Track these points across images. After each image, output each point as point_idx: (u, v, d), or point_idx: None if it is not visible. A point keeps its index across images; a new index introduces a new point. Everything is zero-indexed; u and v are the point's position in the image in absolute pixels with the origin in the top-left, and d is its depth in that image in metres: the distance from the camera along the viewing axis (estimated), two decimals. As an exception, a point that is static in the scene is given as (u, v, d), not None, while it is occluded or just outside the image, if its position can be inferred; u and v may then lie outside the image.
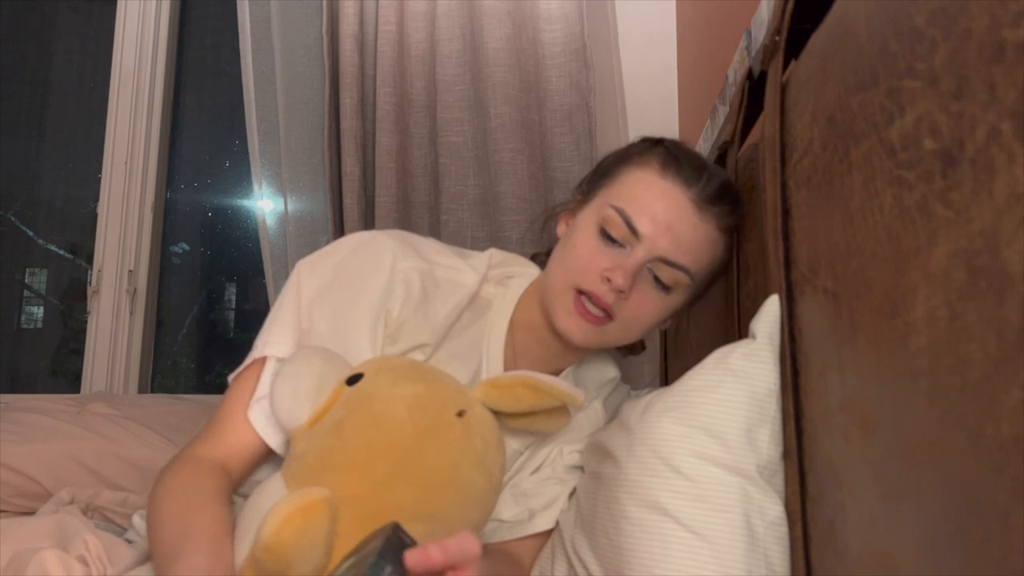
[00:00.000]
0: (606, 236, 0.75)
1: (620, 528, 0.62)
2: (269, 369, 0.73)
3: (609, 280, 0.73)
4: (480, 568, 0.53)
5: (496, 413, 0.72)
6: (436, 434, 0.65)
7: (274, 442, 0.71)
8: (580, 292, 0.75)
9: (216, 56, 2.15)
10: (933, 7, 0.36)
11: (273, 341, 0.75)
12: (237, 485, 0.72)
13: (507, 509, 0.83)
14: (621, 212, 0.74)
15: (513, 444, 0.82)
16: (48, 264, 2.18)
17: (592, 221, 0.76)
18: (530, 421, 0.74)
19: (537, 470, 0.85)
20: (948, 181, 0.34)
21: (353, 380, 0.67)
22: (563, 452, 0.85)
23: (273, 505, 0.54)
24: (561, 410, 0.75)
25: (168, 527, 0.62)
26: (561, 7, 1.55)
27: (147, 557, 0.72)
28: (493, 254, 0.87)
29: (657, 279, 0.75)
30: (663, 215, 0.73)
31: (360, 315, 0.75)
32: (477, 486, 0.66)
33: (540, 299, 0.81)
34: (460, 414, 0.67)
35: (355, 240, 0.81)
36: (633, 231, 0.73)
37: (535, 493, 0.83)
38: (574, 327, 0.75)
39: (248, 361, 0.75)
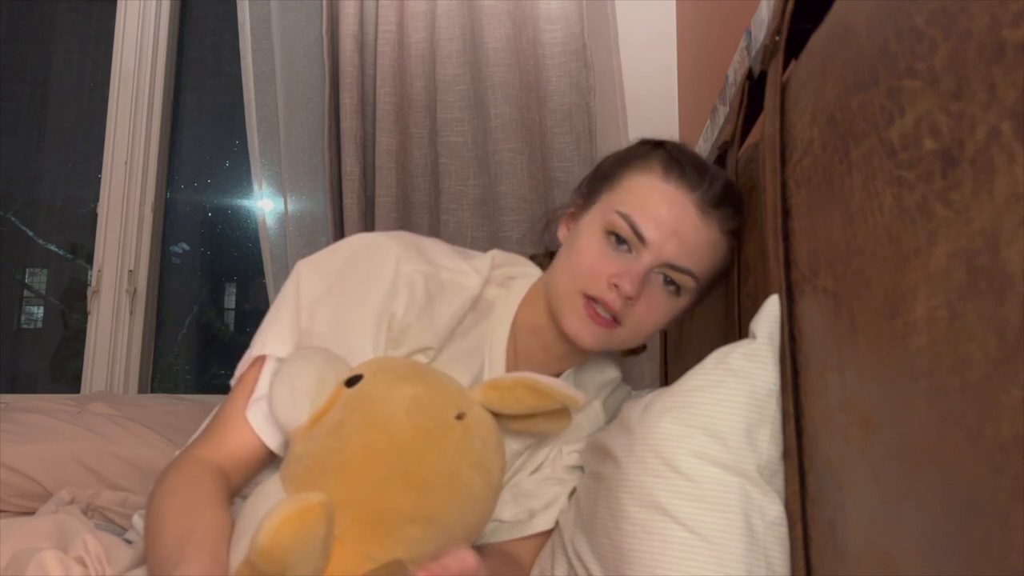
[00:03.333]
0: (611, 240, 0.75)
1: (620, 528, 0.62)
2: (268, 369, 0.73)
3: (617, 287, 0.73)
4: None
5: (496, 415, 0.72)
6: (435, 435, 0.65)
7: (272, 442, 0.70)
8: (588, 297, 0.74)
9: (216, 56, 2.15)
10: (933, 7, 0.36)
11: (271, 340, 0.74)
12: (238, 488, 0.72)
13: (507, 509, 0.83)
14: (627, 218, 0.74)
15: (513, 445, 0.82)
16: (48, 264, 2.18)
17: (597, 226, 0.76)
18: (531, 423, 0.74)
19: (537, 470, 0.85)
20: (948, 181, 0.34)
21: (352, 381, 0.67)
22: (563, 452, 0.84)
23: (269, 509, 0.54)
24: (562, 412, 0.75)
25: (166, 530, 0.61)
26: (561, 7, 1.55)
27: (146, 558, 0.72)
28: (496, 255, 0.86)
29: (666, 279, 0.75)
30: (668, 220, 0.73)
31: (363, 317, 0.74)
32: (476, 488, 0.66)
33: (545, 302, 0.80)
34: (460, 416, 0.67)
35: (358, 242, 0.80)
36: (639, 237, 0.73)
37: (535, 493, 0.83)
38: (584, 331, 0.75)
39: (245, 360, 0.75)
